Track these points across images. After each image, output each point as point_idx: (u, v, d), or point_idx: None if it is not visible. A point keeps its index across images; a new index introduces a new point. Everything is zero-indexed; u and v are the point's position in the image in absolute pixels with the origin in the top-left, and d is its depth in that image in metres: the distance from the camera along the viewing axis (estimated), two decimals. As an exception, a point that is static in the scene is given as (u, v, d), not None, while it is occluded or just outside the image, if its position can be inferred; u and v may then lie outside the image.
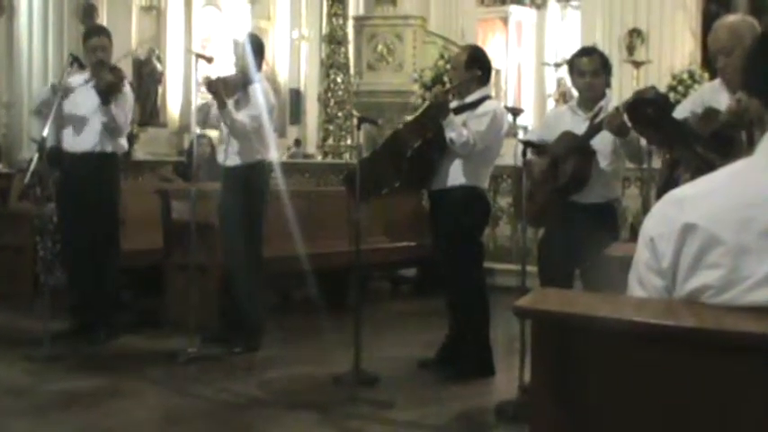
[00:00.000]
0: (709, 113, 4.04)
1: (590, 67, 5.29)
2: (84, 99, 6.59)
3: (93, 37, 6.85)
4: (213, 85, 6.34)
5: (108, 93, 6.50)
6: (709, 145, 3.87)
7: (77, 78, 6.74)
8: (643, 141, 4.96)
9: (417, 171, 5.87)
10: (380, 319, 7.75)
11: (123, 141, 6.80)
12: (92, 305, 6.67)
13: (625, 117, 4.77)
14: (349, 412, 5.12)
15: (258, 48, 6.70)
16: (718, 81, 4.32)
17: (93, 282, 6.68)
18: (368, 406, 5.20)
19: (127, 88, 6.77)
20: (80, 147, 6.62)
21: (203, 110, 6.67)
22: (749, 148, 1.76)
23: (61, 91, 6.46)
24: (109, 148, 6.66)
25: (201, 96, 6.61)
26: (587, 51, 5.55)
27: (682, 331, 1.54)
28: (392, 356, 6.31)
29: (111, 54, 6.81)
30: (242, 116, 6.37)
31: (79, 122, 6.61)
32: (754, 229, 1.58)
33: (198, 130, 7.58)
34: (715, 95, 4.22)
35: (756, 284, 1.56)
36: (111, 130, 6.57)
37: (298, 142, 18.95)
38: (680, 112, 4.29)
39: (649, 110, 4.14)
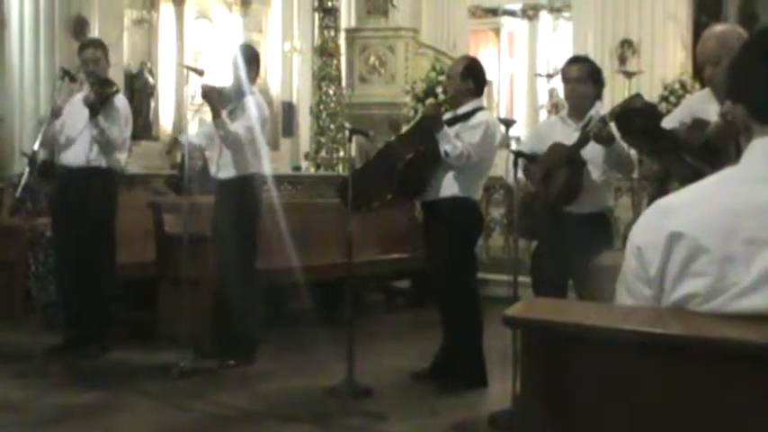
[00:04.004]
0: (697, 124, 4.06)
1: (575, 74, 5.31)
2: (77, 113, 6.59)
3: (87, 49, 6.87)
4: (208, 93, 6.34)
5: (92, 106, 6.48)
6: (698, 154, 3.88)
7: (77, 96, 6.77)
8: (632, 151, 4.98)
9: (409, 182, 5.89)
10: (374, 330, 7.73)
11: (121, 157, 6.77)
12: (85, 320, 6.65)
13: (613, 126, 4.78)
14: (343, 424, 5.12)
15: (252, 59, 6.69)
16: (706, 90, 4.34)
17: (88, 297, 6.67)
18: (362, 417, 5.19)
19: (120, 101, 6.75)
20: (75, 161, 6.61)
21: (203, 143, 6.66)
22: (737, 156, 1.76)
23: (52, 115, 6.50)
24: (104, 163, 6.64)
25: (193, 108, 6.59)
26: (575, 60, 5.60)
27: (669, 339, 1.55)
28: (386, 368, 6.31)
29: (105, 67, 6.82)
30: (236, 127, 6.37)
31: (74, 137, 6.61)
32: (739, 238, 1.59)
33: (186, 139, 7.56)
34: (703, 105, 4.24)
35: (742, 292, 1.57)
36: (102, 144, 6.55)
37: None
38: (669, 122, 4.30)
39: (638, 119, 4.16)
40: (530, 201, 5.33)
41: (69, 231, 6.63)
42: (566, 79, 5.37)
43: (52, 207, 6.93)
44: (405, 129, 6.17)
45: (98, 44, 7.02)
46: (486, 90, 6.34)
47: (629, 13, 14.05)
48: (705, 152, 3.87)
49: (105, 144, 6.56)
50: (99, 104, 6.49)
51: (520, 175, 5.24)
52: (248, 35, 19.39)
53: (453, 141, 5.67)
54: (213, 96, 6.34)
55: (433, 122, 5.74)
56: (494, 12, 23.01)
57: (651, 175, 4.50)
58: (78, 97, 6.70)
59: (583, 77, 5.31)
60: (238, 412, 5.38)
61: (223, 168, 6.50)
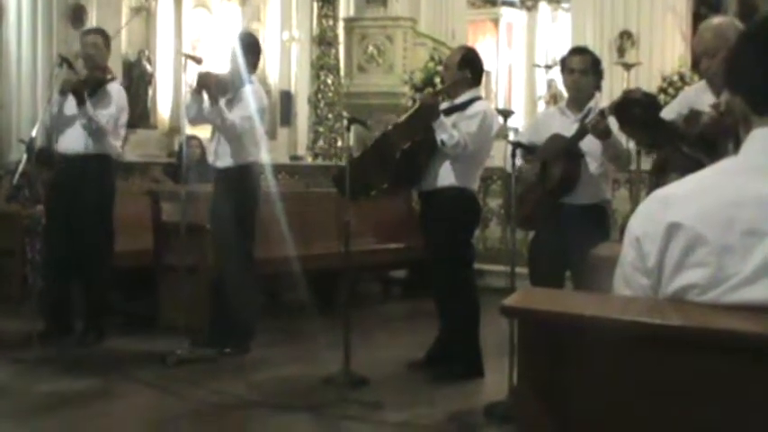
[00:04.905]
0: (694, 115, 4.06)
1: (579, 66, 5.31)
2: (71, 101, 6.56)
3: (89, 35, 6.92)
4: (204, 79, 6.31)
5: (78, 92, 6.46)
6: (696, 145, 3.88)
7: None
8: (631, 144, 4.98)
9: (406, 172, 5.88)
10: (370, 320, 7.75)
11: (116, 143, 6.77)
12: (71, 306, 6.67)
13: (612, 119, 4.78)
14: (339, 413, 5.13)
15: (252, 47, 6.66)
16: (703, 82, 4.35)
17: (85, 285, 6.68)
18: (358, 407, 5.20)
19: (114, 88, 6.74)
20: (72, 148, 6.59)
21: (197, 100, 6.48)
22: (735, 147, 1.76)
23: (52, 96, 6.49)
24: (101, 150, 6.64)
25: (191, 92, 6.54)
26: (579, 50, 5.58)
27: (668, 330, 1.54)
28: (382, 358, 6.32)
29: (105, 54, 6.81)
30: (233, 116, 6.35)
31: (69, 124, 6.59)
32: (737, 229, 1.58)
33: (188, 130, 7.54)
34: (700, 96, 4.24)
35: (741, 283, 1.57)
36: (91, 132, 6.54)
37: None
38: (667, 114, 4.30)
39: (637, 110, 4.15)
40: (524, 192, 5.33)
41: (65, 218, 6.62)
42: (568, 70, 5.36)
43: (47, 194, 6.89)
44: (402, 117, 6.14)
45: (99, 31, 7.04)
46: (484, 80, 6.33)
47: (629, 5, 14.03)
48: (702, 143, 3.87)
49: (95, 131, 6.55)
50: (83, 91, 6.47)
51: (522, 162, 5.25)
52: (247, 24, 19.33)
53: (450, 131, 5.67)
54: (211, 83, 6.32)
55: (429, 111, 5.73)
56: (492, 2, 22.94)
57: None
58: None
59: (586, 69, 5.31)
60: (235, 400, 5.38)
61: (221, 157, 6.49)
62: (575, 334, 1.62)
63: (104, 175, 6.75)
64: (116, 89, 6.79)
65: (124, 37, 16.68)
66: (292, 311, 7.67)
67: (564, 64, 5.46)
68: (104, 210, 6.71)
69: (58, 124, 6.67)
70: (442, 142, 5.67)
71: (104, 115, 6.58)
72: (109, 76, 6.76)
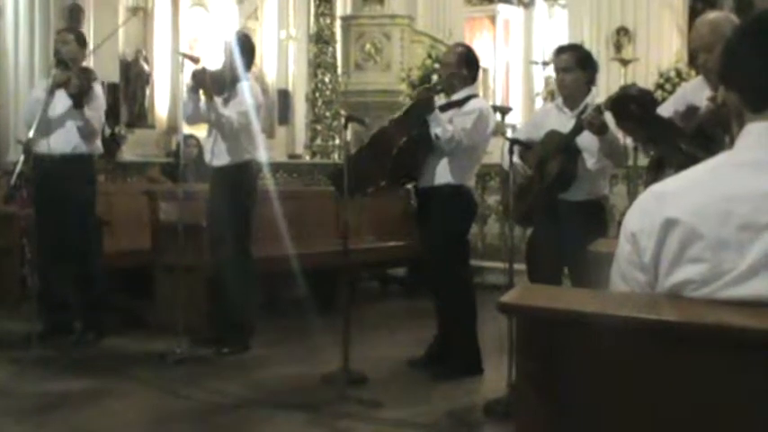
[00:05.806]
0: (692, 111, 4.06)
1: (562, 64, 5.31)
2: (57, 101, 6.53)
3: (62, 32, 7.00)
4: (199, 76, 6.31)
5: (79, 96, 6.45)
6: (693, 141, 3.88)
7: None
8: (628, 140, 4.98)
9: (403, 168, 5.89)
10: (369, 318, 7.75)
11: (98, 143, 6.78)
12: (68, 306, 6.67)
13: (608, 115, 4.77)
14: (338, 412, 5.12)
15: (247, 47, 6.68)
16: (700, 78, 4.35)
17: (81, 285, 6.67)
18: (357, 405, 5.19)
19: (98, 89, 6.74)
20: (57, 149, 6.55)
21: (194, 99, 6.48)
22: (730, 143, 1.76)
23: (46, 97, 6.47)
24: (85, 150, 6.63)
25: (187, 91, 6.54)
26: (562, 49, 5.56)
27: (664, 325, 1.54)
28: (381, 356, 6.31)
29: (79, 55, 6.76)
30: (229, 112, 6.35)
31: (54, 124, 6.56)
32: (733, 224, 1.59)
33: (185, 130, 7.53)
34: (697, 92, 4.24)
35: (737, 278, 1.57)
36: (86, 134, 6.54)
37: None
38: (664, 111, 4.30)
39: (633, 106, 4.15)
40: (522, 189, 5.33)
41: (57, 217, 6.58)
42: (555, 69, 5.38)
43: (35, 195, 6.82)
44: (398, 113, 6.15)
45: (74, 31, 7.07)
46: (481, 77, 6.34)
47: (625, 1, 14.05)
48: (700, 138, 3.87)
49: (89, 134, 6.56)
50: (83, 95, 6.45)
51: (516, 160, 5.25)
52: (244, 23, 19.33)
53: (444, 125, 5.68)
54: (204, 79, 6.32)
55: (425, 105, 5.74)
56: (489, -1, 22.95)
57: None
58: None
59: (570, 66, 5.29)
60: (233, 399, 5.38)
61: (218, 156, 6.49)
62: (572, 330, 1.62)
63: (90, 174, 6.76)
64: (100, 90, 6.79)
65: (121, 37, 16.67)
66: (291, 310, 7.67)
67: (553, 63, 5.48)
68: (91, 208, 6.71)
69: (43, 124, 6.59)
70: (436, 136, 5.68)
71: (96, 117, 6.59)
72: (93, 75, 6.74)
